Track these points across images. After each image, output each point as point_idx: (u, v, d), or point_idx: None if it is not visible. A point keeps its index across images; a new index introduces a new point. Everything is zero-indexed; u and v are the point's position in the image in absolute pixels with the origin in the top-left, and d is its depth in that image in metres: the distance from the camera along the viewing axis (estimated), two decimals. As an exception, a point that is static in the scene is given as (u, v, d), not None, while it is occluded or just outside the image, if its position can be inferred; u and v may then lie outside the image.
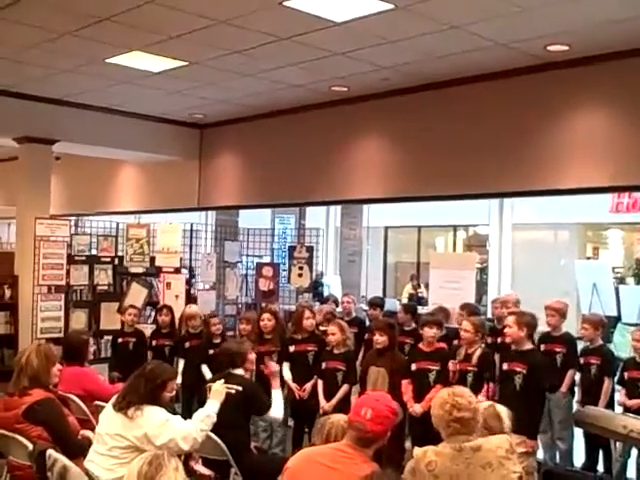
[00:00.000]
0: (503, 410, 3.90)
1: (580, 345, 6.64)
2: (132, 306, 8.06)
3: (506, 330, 5.66)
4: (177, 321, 7.95)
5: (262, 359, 6.45)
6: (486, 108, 7.57)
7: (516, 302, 6.99)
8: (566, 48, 6.56)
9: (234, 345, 5.68)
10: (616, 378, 6.19)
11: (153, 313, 8.84)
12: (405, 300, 15.51)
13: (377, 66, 7.35)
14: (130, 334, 7.69)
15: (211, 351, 7.11)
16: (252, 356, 5.53)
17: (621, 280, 14.86)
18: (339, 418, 3.54)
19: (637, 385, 5.94)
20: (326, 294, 12.64)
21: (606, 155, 6.81)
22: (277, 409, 5.25)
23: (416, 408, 5.85)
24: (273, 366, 5.83)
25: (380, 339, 6.20)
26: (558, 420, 6.32)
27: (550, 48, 6.58)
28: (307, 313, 6.83)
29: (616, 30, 6.08)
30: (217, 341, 7.15)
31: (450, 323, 7.06)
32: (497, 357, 6.00)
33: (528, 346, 5.62)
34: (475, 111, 7.65)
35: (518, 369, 5.46)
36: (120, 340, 7.70)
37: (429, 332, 6.09)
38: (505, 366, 5.63)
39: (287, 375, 6.65)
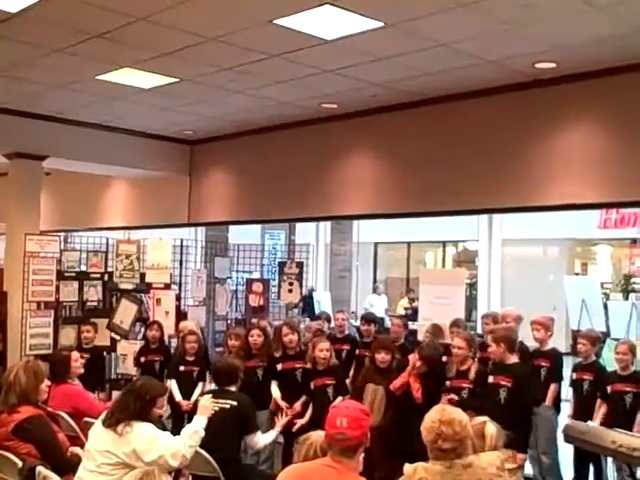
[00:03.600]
0: (492, 429, 3.82)
1: (568, 360, 6.69)
2: (88, 322, 8.03)
3: (488, 349, 5.73)
4: (166, 337, 7.94)
5: (248, 375, 6.44)
6: (475, 125, 7.62)
7: (516, 318, 6.93)
8: (554, 65, 6.62)
9: (228, 363, 5.69)
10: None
11: (143, 329, 8.81)
12: (402, 313, 15.50)
13: (366, 83, 7.39)
14: (86, 351, 7.57)
15: (182, 368, 7.11)
16: (241, 374, 5.58)
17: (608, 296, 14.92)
18: (317, 437, 3.51)
19: (621, 398, 5.97)
20: (317, 311, 12.66)
21: (594, 171, 6.86)
22: (266, 439, 5.31)
23: (394, 382, 5.94)
24: (282, 421, 5.72)
25: (386, 357, 6.22)
26: (543, 435, 6.35)
27: (538, 65, 6.64)
28: (285, 329, 6.82)
29: (604, 47, 6.14)
30: (190, 359, 7.14)
31: (443, 339, 7.08)
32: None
33: (513, 360, 5.65)
34: (464, 128, 7.70)
35: (503, 382, 5.50)
36: None
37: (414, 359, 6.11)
38: (491, 379, 5.67)
39: (275, 393, 6.64)
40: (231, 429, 5.07)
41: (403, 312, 15.59)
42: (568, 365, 6.75)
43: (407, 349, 6.89)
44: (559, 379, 6.49)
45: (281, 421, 5.54)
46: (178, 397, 6.90)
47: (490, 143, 7.51)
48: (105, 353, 8.68)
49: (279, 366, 6.74)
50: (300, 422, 6.23)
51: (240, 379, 5.52)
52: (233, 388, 5.37)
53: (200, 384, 7.08)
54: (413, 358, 5.99)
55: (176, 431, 4.63)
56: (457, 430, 3.37)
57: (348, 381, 7.00)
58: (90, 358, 7.52)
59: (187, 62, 6.84)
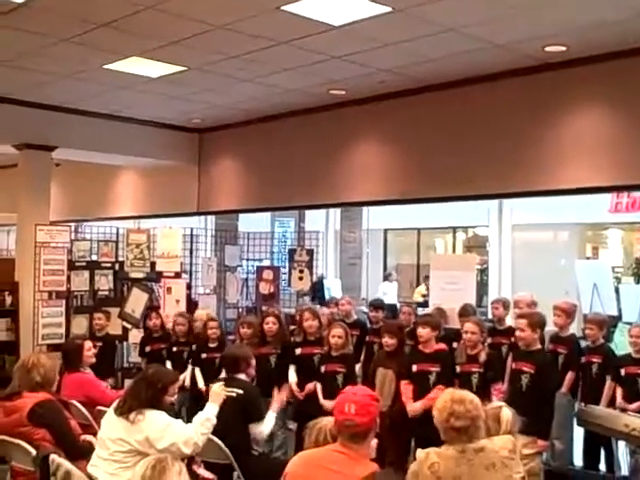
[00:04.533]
0: (508, 414, 3.83)
1: (583, 344, 6.67)
2: (100, 310, 8.07)
3: (518, 333, 5.66)
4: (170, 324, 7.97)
5: (261, 361, 6.46)
6: (484, 110, 7.58)
7: (530, 304, 6.87)
8: (564, 49, 6.58)
9: (239, 350, 5.72)
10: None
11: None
12: (420, 300, 15.45)
13: (375, 69, 7.36)
14: (98, 339, 7.63)
15: (204, 355, 7.14)
16: (253, 362, 5.57)
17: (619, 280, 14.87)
18: (326, 422, 3.52)
19: (634, 380, 5.96)
20: (327, 297, 12.65)
21: (605, 155, 6.83)
22: (266, 426, 5.28)
23: (414, 407, 5.84)
24: (280, 395, 5.78)
25: (390, 342, 6.22)
26: (556, 420, 6.32)
27: (548, 49, 6.60)
28: (306, 314, 6.85)
29: (613, 30, 6.09)
30: (213, 345, 7.16)
31: (448, 324, 7.07)
32: (509, 358, 6.04)
33: (537, 346, 5.64)
34: (473, 113, 7.67)
35: (525, 369, 5.48)
36: None
37: (421, 332, 6.09)
38: (513, 365, 5.66)
39: (292, 378, 6.67)
40: (239, 417, 5.08)
41: (421, 299, 15.53)
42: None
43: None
44: (577, 366, 6.44)
45: (274, 405, 5.50)
46: (201, 384, 6.92)
47: (499, 128, 7.48)
48: (117, 342, 8.71)
49: (298, 350, 6.76)
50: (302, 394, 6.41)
51: (252, 367, 5.51)
52: (242, 376, 5.38)
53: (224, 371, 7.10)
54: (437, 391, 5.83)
55: (190, 418, 4.64)
56: (469, 408, 3.41)
57: (358, 366, 7.01)
58: (102, 346, 7.58)
59: (195, 50, 6.83)
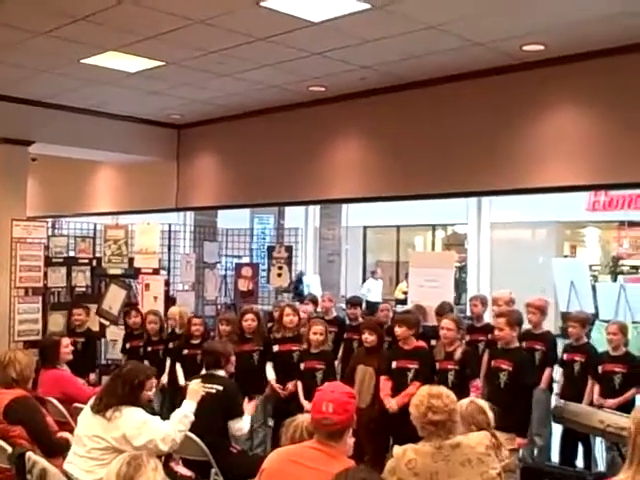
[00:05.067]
0: (484, 404, 3.93)
1: (560, 342, 6.72)
2: (79, 306, 8.02)
3: (497, 333, 5.70)
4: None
5: (244, 358, 6.45)
6: (463, 107, 7.60)
7: (509, 301, 6.92)
8: (542, 48, 6.61)
9: (219, 345, 5.71)
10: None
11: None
12: (402, 297, 15.50)
13: (354, 66, 7.36)
14: (79, 334, 7.64)
15: (185, 351, 7.12)
16: (233, 358, 5.56)
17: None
18: (303, 419, 3.52)
19: (611, 378, 6.02)
20: (306, 294, 12.65)
21: (583, 153, 6.87)
22: (245, 424, 5.25)
23: (392, 403, 5.86)
24: (252, 404, 5.68)
25: (370, 338, 6.23)
26: (536, 416, 6.37)
27: (526, 48, 6.62)
28: (287, 310, 6.87)
29: (592, 29, 6.12)
30: (195, 342, 7.13)
31: (427, 321, 7.10)
32: (486, 354, 6.07)
33: (515, 344, 5.68)
34: (452, 110, 7.69)
35: (504, 366, 5.52)
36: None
37: (397, 331, 6.10)
38: (492, 363, 5.69)
39: (270, 375, 6.68)
40: (217, 414, 5.07)
41: (402, 297, 15.58)
42: (558, 347, 6.77)
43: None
44: (554, 362, 6.50)
45: (250, 404, 5.47)
46: (182, 381, 6.90)
47: (478, 126, 7.50)
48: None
49: (276, 347, 6.77)
50: (285, 392, 6.45)
51: (231, 363, 5.50)
52: (221, 372, 5.36)
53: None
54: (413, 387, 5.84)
55: (167, 413, 4.62)
56: (446, 402, 3.48)
57: (336, 363, 7.03)
58: (84, 342, 7.55)
59: (173, 45, 6.78)
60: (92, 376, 7.40)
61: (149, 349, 7.50)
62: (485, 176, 7.52)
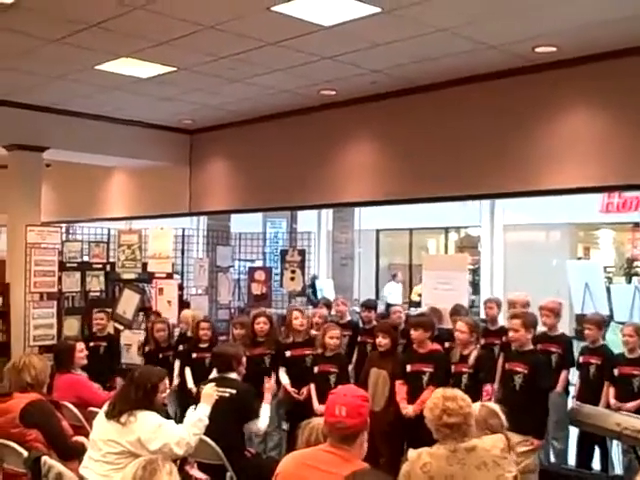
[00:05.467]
0: (496, 407, 3.92)
1: (576, 344, 6.68)
2: (101, 311, 8.05)
3: (511, 334, 5.66)
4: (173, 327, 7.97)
5: (255, 362, 6.45)
6: (475, 110, 7.59)
7: (525, 304, 6.88)
8: (554, 49, 6.59)
9: (230, 348, 5.71)
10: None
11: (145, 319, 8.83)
12: (418, 299, 15.43)
13: (365, 69, 7.36)
14: (101, 339, 7.68)
15: (194, 355, 7.13)
16: (244, 360, 5.57)
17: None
18: (318, 422, 3.52)
19: (628, 381, 5.96)
20: (319, 297, 12.66)
21: (596, 155, 6.84)
22: (263, 421, 5.28)
23: (409, 410, 5.86)
24: (271, 383, 5.79)
25: (383, 341, 6.21)
26: (554, 420, 6.33)
27: (538, 50, 6.61)
28: (295, 313, 6.86)
29: (604, 31, 6.11)
30: (203, 346, 7.14)
31: (442, 324, 7.07)
32: (501, 357, 6.04)
33: (529, 347, 5.65)
34: (465, 113, 7.68)
35: (519, 369, 5.48)
36: (92, 344, 7.67)
37: (413, 334, 6.10)
38: (506, 366, 5.66)
39: (284, 380, 6.66)
40: (231, 417, 5.08)
41: (418, 299, 15.51)
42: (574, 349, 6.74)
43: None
44: (570, 365, 6.45)
45: (266, 396, 5.49)
46: (190, 384, 6.91)
47: (490, 128, 7.49)
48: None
49: (288, 353, 6.75)
50: (301, 396, 6.44)
51: (242, 365, 5.51)
52: (233, 375, 5.37)
53: (214, 370, 7.10)
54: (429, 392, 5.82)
55: (181, 417, 4.64)
56: (461, 405, 3.47)
57: (351, 367, 7.02)
58: (106, 346, 7.58)
59: (184, 51, 6.82)
60: (118, 379, 7.41)
61: (160, 356, 7.44)
62: (497, 178, 7.50)
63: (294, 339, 6.83)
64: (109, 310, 8.33)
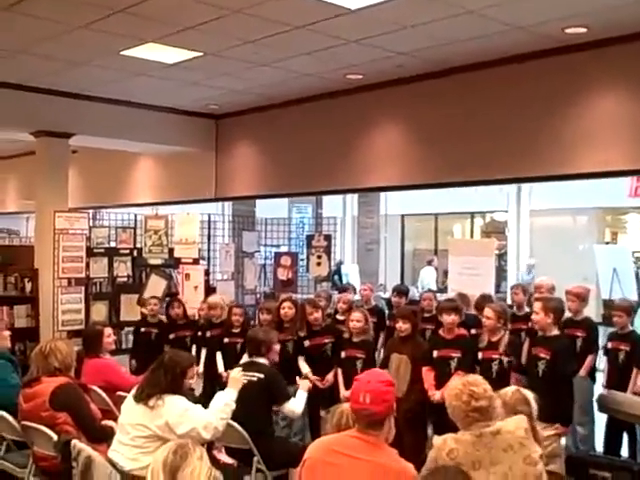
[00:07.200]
0: (530, 394, 3.88)
1: (600, 329, 6.61)
2: (154, 297, 8.11)
3: (533, 317, 5.64)
4: (194, 311, 8.00)
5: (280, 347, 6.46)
6: (504, 93, 7.50)
7: (550, 289, 6.87)
8: (584, 30, 6.49)
9: (261, 333, 5.70)
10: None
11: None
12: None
13: (392, 53, 7.30)
14: (152, 325, 7.75)
15: (226, 340, 7.14)
16: (277, 347, 5.58)
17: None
18: (348, 406, 3.52)
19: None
20: (344, 282, 12.65)
21: (626, 138, 6.74)
22: (298, 404, 5.29)
23: (437, 395, 5.83)
24: (308, 383, 5.76)
25: (404, 326, 6.20)
26: (578, 405, 6.28)
27: (568, 31, 6.51)
28: (308, 308, 6.82)
29: (634, 11, 6.00)
30: (235, 331, 7.16)
31: (470, 310, 7.03)
32: (527, 343, 6.00)
33: (554, 332, 5.59)
34: (492, 96, 7.59)
35: (542, 355, 5.44)
36: (143, 330, 7.78)
37: (447, 319, 6.07)
38: (532, 351, 5.63)
39: (305, 368, 6.64)
40: (260, 401, 5.09)
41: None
42: (601, 335, 6.68)
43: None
44: (596, 350, 6.43)
45: (305, 381, 5.51)
46: (221, 369, 6.94)
47: (518, 111, 7.40)
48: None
49: (306, 342, 6.73)
50: (324, 384, 6.42)
51: (274, 352, 5.52)
52: (262, 360, 5.38)
53: (245, 355, 7.12)
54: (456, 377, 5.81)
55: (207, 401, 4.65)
56: (485, 388, 3.52)
57: (377, 353, 7.00)
58: (157, 332, 7.64)
59: (211, 35, 6.80)
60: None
61: (226, 341, 7.19)
62: (526, 162, 7.42)
63: (310, 329, 6.78)
64: (159, 296, 8.38)
